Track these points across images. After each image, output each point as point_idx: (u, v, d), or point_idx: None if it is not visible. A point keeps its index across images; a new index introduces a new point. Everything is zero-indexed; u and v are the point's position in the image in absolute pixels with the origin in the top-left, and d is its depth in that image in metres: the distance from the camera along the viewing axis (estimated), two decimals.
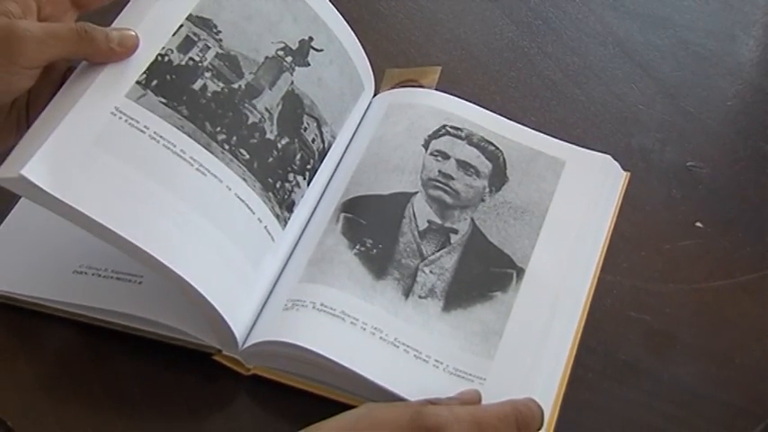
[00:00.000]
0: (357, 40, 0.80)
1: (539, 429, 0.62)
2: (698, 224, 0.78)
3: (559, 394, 0.66)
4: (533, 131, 0.79)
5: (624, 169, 0.78)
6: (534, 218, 0.73)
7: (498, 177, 0.75)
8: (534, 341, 0.67)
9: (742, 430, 0.67)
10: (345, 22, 0.79)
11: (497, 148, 0.77)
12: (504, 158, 0.76)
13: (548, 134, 0.79)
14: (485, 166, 0.76)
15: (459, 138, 0.77)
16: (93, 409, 0.68)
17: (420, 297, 0.69)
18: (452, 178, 0.75)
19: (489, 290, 0.70)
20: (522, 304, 0.69)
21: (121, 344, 0.70)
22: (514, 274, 0.70)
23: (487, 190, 0.75)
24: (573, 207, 0.74)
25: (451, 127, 0.77)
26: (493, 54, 0.90)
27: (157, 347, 0.69)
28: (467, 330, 0.68)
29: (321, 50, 0.77)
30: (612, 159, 0.78)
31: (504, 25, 0.93)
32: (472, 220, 0.73)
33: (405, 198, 0.73)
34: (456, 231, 0.72)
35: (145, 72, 0.67)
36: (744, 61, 0.90)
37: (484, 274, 0.70)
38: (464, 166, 0.76)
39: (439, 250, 0.71)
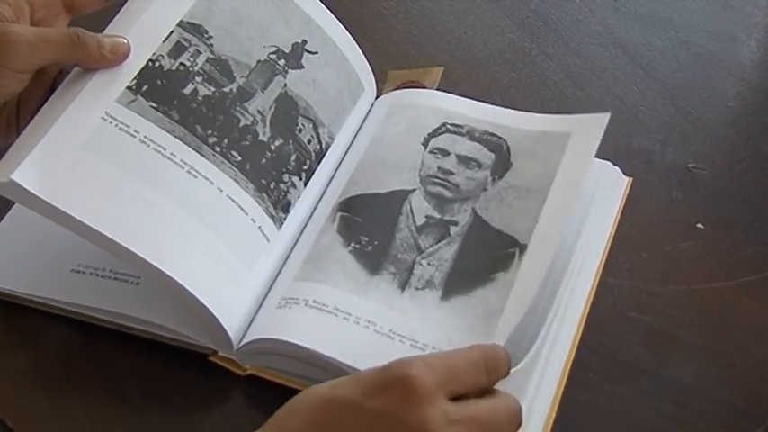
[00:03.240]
0: (354, 42, 0.80)
1: (506, 375, 0.61)
2: (699, 225, 0.77)
3: (557, 395, 0.66)
4: (537, 114, 0.78)
5: (625, 171, 0.78)
6: (539, 193, 0.72)
7: (502, 165, 0.75)
8: (536, 314, 0.66)
9: (742, 431, 0.67)
10: (340, 24, 0.79)
11: (500, 138, 0.76)
12: (507, 146, 0.76)
13: None
14: (487, 157, 0.75)
15: (460, 134, 0.77)
16: (93, 406, 0.69)
17: (417, 289, 0.68)
18: (452, 173, 0.74)
19: (491, 272, 0.68)
20: (524, 276, 0.67)
21: (120, 342, 0.71)
22: (517, 252, 0.69)
23: (490, 179, 0.74)
24: (579, 172, 0.72)
25: (452, 125, 0.77)
26: (494, 55, 0.90)
27: (155, 345, 0.70)
28: (467, 314, 0.67)
29: (316, 53, 0.77)
30: (612, 165, 0.78)
31: (505, 26, 0.93)
32: (473, 210, 0.72)
33: (402, 195, 0.73)
34: (456, 223, 0.72)
35: (135, 77, 0.68)
36: (745, 62, 0.90)
37: (485, 259, 0.69)
38: (465, 160, 0.75)
39: (438, 242, 0.71)
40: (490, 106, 0.79)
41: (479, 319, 0.66)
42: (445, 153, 0.76)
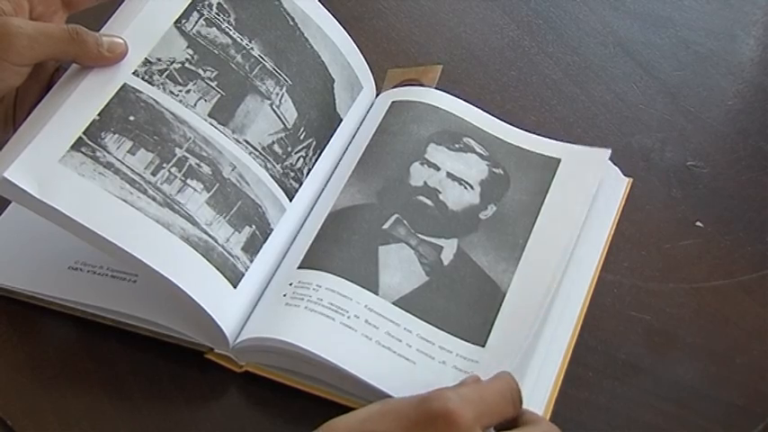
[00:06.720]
0: (351, 40, 0.80)
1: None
2: (698, 224, 0.77)
3: (554, 392, 0.66)
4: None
5: (624, 169, 0.78)
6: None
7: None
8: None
9: (742, 430, 0.67)
10: (337, 22, 0.79)
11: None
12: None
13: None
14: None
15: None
16: (92, 404, 0.69)
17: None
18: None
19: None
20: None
21: (119, 338, 0.71)
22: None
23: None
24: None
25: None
26: (493, 53, 0.90)
27: (154, 341, 0.70)
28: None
29: None
30: (612, 165, 0.78)
31: (504, 24, 0.93)
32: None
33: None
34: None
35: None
36: (744, 61, 0.90)
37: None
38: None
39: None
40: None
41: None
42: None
